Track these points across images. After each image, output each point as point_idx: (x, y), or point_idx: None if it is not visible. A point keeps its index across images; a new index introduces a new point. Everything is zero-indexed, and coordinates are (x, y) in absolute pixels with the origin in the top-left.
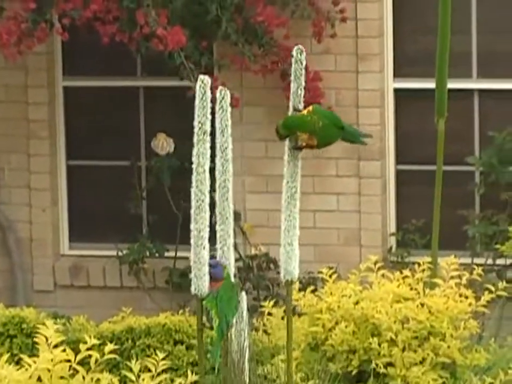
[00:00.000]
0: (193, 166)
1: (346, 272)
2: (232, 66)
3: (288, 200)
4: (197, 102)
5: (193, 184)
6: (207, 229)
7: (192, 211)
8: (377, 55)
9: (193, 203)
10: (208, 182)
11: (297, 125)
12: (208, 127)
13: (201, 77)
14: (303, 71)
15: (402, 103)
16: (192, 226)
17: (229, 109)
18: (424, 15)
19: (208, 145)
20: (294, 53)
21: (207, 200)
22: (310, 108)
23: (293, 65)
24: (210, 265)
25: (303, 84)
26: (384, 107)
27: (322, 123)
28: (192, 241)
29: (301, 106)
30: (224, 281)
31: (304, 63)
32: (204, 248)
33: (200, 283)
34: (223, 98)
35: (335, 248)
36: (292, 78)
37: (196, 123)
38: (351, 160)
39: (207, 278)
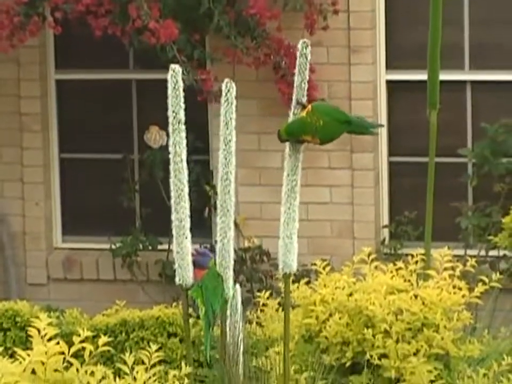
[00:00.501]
0: (170, 155)
1: (340, 264)
2: (225, 59)
3: (288, 193)
4: (169, 91)
5: (171, 174)
6: (188, 219)
7: (172, 201)
8: (369, 47)
9: (172, 193)
10: (186, 171)
11: (299, 129)
12: (182, 116)
13: (172, 66)
14: (308, 66)
15: (395, 95)
16: (173, 216)
17: (234, 101)
18: (416, 6)
19: (183, 134)
20: (299, 46)
21: (186, 189)
22: (309, 107)
23: (298, 59)
24: (198, 253)
25: (307, 77)
26: (376, 99)
27: (323, 121)
28: (173, 231)
29: (304, 99)
30: (209, 270)
31: (309, 57)
32: (186, 238)
33: (184, 273)
34: (228, 91)
35: (328, 240)
36: (296, 71)
37: (170, 112)
38: (343, 152)
39: (191, 268)
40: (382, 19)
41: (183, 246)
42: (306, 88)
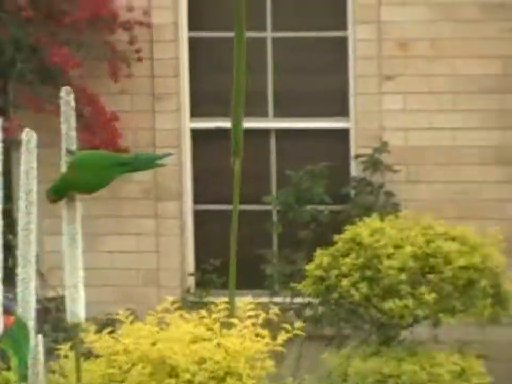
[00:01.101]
0: None
1: (146, 313)
2: (28, 107)
3: (70, 241)
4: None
5: None
6: (1, 270)
7: None
8: (173, 95)
9: None
10: (1, 223)
11: (64, 187)
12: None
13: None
14: (73, 112)
15: (199, 143)
16: None
17: (35, 151)
18: (219, 54)
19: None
20: (62, 93)
21: (0, 241)
22: (69, 162)
23: (62, 107)
24: (8, 298)
25: (74, 125)
26: (180, 147)
27: (83, 175)
28: None
29: (74, 147)
30: (16, 319)
31: (72, 104)
32: None
33: None
34: (28, 140)
35: (134, 289)
36: (62, 119)
37: None
38: (148, 200)
39: (1, 319)
40: (186, 66)
41: None
42: (74, 136)
